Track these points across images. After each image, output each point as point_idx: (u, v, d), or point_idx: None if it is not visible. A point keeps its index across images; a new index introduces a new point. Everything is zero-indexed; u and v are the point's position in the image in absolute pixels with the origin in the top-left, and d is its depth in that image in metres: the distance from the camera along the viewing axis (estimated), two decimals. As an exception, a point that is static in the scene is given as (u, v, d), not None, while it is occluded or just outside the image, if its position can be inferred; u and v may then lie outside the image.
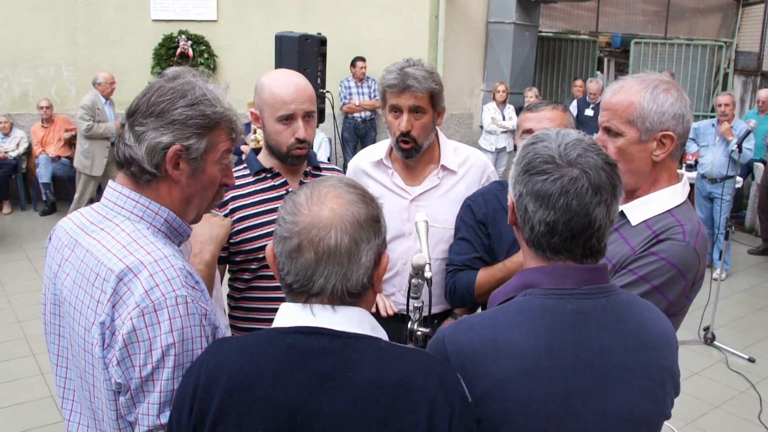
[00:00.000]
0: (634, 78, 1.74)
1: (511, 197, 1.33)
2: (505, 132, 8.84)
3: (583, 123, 8.36)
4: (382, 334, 1.22)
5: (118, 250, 1.30)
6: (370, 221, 1.17)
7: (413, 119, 2.26)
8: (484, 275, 2.20)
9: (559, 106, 2.21)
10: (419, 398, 1.09)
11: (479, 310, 2.45)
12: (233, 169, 2.13)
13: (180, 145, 1.34)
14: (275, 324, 1.20)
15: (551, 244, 1.26)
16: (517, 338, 1.22)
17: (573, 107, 9.03)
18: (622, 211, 1.75)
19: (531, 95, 8.93)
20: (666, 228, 1.65)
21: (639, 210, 1.72)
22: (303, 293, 1.16)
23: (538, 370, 1.20)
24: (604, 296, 1.27)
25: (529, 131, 2.14)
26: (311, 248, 1.13)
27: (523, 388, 1.19)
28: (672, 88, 1.70)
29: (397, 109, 2.27)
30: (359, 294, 1.17)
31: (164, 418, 1.25)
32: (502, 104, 8.90)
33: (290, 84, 2.09)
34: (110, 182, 1.41)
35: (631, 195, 1.76)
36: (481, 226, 2.26)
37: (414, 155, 2.33)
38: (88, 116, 7.33)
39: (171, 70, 1.44)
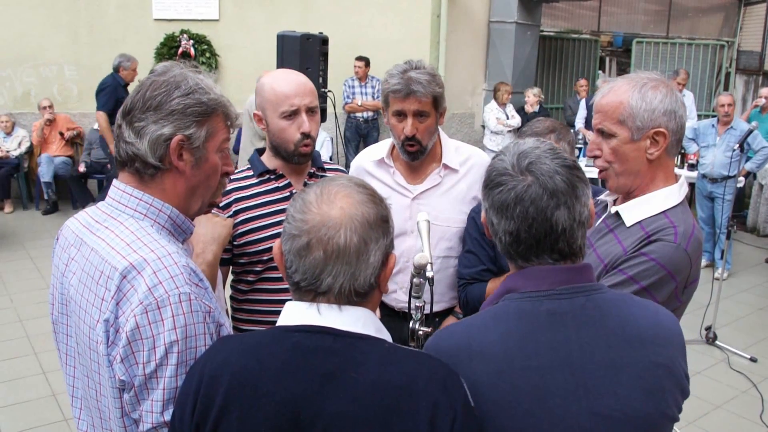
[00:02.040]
0: (623, 78, 1.75)
1: (483, 214, 1.38)
2: (511, 131, 8.84)
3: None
4: (386, 335, 1.22)
5: (122, 248, 1.30)
6: (380, 221, 1.18)
7: (418, 123, 2.26)
8: (492, 287, 2.22)
9: (552, 137, 2.14)
10: (422, 401, 1.09)
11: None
12: (237, 170, 2.15)
13: (182, 135, 1.35)
14: (280, 322, 1.20)
15: (519, 253, 1.29)
16: (490, 341, 1.23)
17: (582, 107, 9.00)
18: (617, 212, 1.75)
19: (530, 95, 8.90)
20: (659, 229, 1.64)
21: (634, 211, 1.72)
22: (310, 291, 1.16)
23: (510, 371, 1.20)
24: (584, 295, 1.27)
25: None
26: (320, 246, 1.13)
27: (496, 389, 1.20)
28: (661, 84, 1.69)
29: (401, 114, 2.27)
30: (366, 294, 1.18)
31: (168, 416, 1.25)
32: (503, 104, 8.89)
33: (290, 80, 2.10)
34: (114, 181, 1.42)
35: (628, 195, 1.76)
36: (485, 238, 2.27)
37: (419, 157, 2.34)
38: None
39: (160, 66, 1.46)
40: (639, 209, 1.71)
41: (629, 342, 1.26)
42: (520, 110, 8.97)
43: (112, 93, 7.04)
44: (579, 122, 8.90)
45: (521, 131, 2.23)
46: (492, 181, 1.32)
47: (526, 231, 1.25)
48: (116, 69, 7.30)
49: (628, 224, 1.71)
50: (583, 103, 9.13)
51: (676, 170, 1.83)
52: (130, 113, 1.37)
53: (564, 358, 1.22)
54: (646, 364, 1.25)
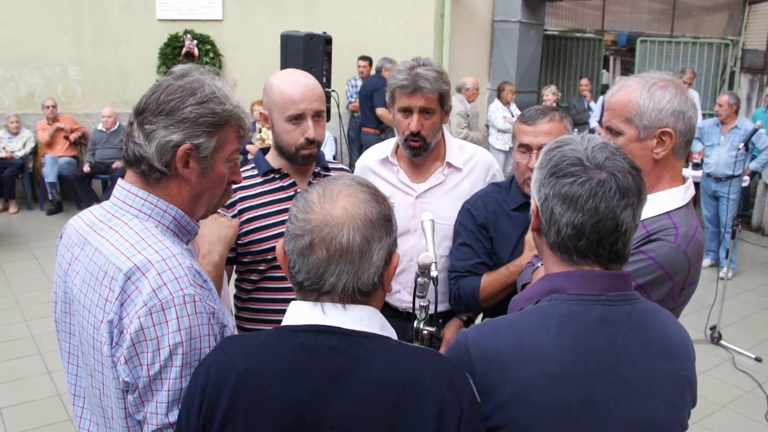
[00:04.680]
0: (634, 77, 1.74)
1: (534, 202, 1.32)
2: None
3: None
4: (391, 333, 1.22)
5: (126, 249, 1.30)
6: (382, 220, 1.17)
7: (423, 119, 2.26)
8: (488, 280, 2.19)
9: (556, 116, 2.14)
10: (428, 398, 1.09)
11: (480, 317, 2.45)
12: (241, 170, 2.15)
13: (190, 144, 1.34)
14: (285, 322, 1.20)
15: (578, 248, 1.25)
16: (543, 343, 1.20)
17: (597, 107, 8.96)
18: None
19: (549, 94, 8.84)
20: (660, 229, 1.63)
21: None
22: (314, 291, 1.16)
23: (564, 376, 1.19)
24: (629, 304, 1.26)
25: (526, 146, 2.12)
26: (323, 246, 1.13)
27: (549, 394, 1.18)
28: (670, 85, 1.68)
29: (407, 110, 2.27)
30: (370, 293, 1.17)
31: (173, 417, 1.25)
32: (507, 103, 8.88)
33: (299, 83, 2.08)
34: (119, 180, 1.41)
35: None
36: (482, 230, 2.26)
37: (422, 153, 2.34)
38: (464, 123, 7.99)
39: (179, 68, 1.44)
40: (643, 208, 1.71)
41: (667, 355, 1.27)
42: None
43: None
44: (593, 121, 8.88)
45: (523, 113, 2.21)
46: (561, 170, 1.26)
47: (593, 226, 1.22)
48: (379, 70, 7.97)
49: None
50: (599, 103, 9.04)
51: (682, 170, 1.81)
52: (142, 114, 1.36)
53: (611, 365, 1.22)
54: (676, 378, 1.28)
